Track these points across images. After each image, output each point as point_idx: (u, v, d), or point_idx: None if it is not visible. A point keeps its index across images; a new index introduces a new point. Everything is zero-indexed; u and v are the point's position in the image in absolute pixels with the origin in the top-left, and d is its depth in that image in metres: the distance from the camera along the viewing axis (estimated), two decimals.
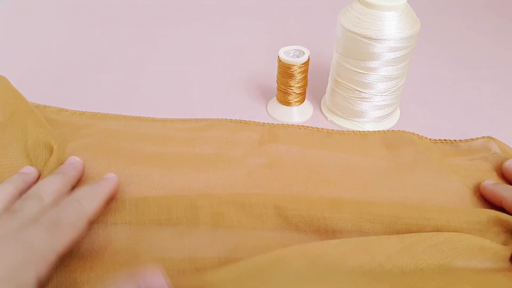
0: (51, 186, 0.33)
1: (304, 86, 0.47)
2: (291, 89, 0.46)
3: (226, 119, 0.47)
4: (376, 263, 0.29)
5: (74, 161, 0.38)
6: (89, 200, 0.32)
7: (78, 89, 0.54)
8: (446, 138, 0.44)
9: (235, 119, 0.47)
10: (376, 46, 0.40)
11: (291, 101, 0.47)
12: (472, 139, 0.44)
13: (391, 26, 0.39)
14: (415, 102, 0.52)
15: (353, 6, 0.41)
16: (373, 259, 0.29)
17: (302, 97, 0.48)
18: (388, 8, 0.39)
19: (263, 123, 0.47)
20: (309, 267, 0.28)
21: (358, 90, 0.44)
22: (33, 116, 0.43)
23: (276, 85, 0.48)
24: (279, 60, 0.45)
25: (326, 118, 0.49)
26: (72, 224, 0.29)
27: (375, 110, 0.45)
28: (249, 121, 0.47)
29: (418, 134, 0.45)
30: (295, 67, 0.44)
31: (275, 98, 0.50)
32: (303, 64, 0.44)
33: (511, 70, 0.59)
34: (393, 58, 0.41)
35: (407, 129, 0.46)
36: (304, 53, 0.44)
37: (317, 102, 0.52)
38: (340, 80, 0.45)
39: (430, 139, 0.44)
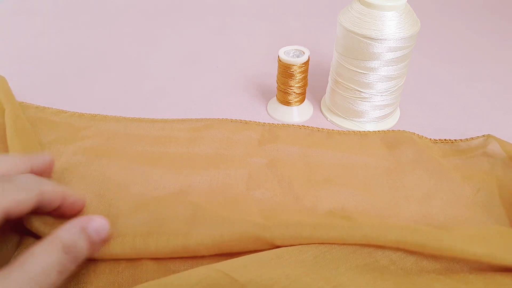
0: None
1: (304, 86, 0.47)
2: (291, 89, 0.46)
3: (226, 119, 0.47)
4: (380, 265, 0.29)
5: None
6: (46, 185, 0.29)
7: (78, 89, 0.54)
8: (446, 138, 0.44)
9: (235, 119, 0.47)
10: (376, 46, 0.40)
11: (291, 101, 0.47)
12: (472, 138, 0.44)
13: (391, 26, 0.39)
14: (415, 102, 0.52)
15: (353, 6, 0.41)
16: (376, 261, 0.29)
17: (302, 97, 0.48)
18: (388, 8, 0.39)
19: (264, 123, 0.47)
20: (313, 260, 0.28)
21: (358, 90, 0.44)
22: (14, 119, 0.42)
23: (276, 85, 0.48)
24: (279, 60, 0.45)
25: (326, 118, 0.49)
26: (24, 188, 0.28)
27: (375, 110, 0.45)
28: (250, 121, 0.47)
29: (418, 134, 0.45)
30: (295, 67, 0.44)
31: (275, 98, 0.50)
32: (303, 64, 0.44)
33: (511, 70, 0.59)
34: (393, 58, 0.41)
35: (407, 129, 0.46)
36: (304, 53, 0.44)
37: (317, 102, 0.52)
38: (340, 80, 0.45)
39: (430, 139, 0.44)
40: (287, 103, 0.48)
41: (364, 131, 0.46)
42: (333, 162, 0.41)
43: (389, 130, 0.46)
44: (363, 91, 0.44)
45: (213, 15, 0.75)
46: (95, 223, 0.28)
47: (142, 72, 0.58)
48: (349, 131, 0.46)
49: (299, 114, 0.48)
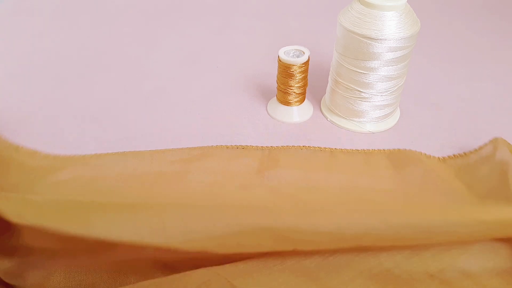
0: None
1: (304, 86, 0.47)
2: (291, 89, 0.46)
3: (222, 146, 0.44)
4: (384, 268, 0.29)
5: None
6: None
7: (78, 89, 0.54)
8: (455, 153, 0.43)
9: (231, 146, 0.44)
10: (376, 46, 0.40)
11: (291, 101, 0.47)
12: (481, 146, 0.42)
13: (391, 26, 0.39)
14: (415, 102, 0.52)
15: (353, 6, 0.41)
16: (380, 264, 0.29)
17: (302, 97, 0.48)
18: (388, 8, 0.39)
19: (262, 147, 0.44)
20: (316, 267, 0.28)
21: (358, 90, 0.44)
22: None
23: (276, 85, 0.48)
24: (279, 60, 0.45)
25: (326, 118, 0.49)
26: None
27: (375, 110, 0.45)
28: (247, 146, 0.44)
29: (425, 153, 0.43)
30: (295, 67, 0.44)
31: (275, 98, 0.50)
32: (303, 64, 0.44)
33: (511, 70, 0.59)
34: (393, 58, 0.41)
35: (407, 129, 0.46)
36: (304, 53, 0.44)
37: (317, 102, 0.52)
38: (340, 80, 0.45)
39: (438, 157, 0.42)
40: (287, 103, 0.48)
41: (369, 150, 0.44)
42: (338, 185, 0.39)
43: (395, 149, 0.44)
44: (363, 91, 0.44)
45: (213, 15, 0.75)
46: None
47: (142, 72, 0.58)
48: (353, 150, 0.44)
49: (299, 114, 0.48)
